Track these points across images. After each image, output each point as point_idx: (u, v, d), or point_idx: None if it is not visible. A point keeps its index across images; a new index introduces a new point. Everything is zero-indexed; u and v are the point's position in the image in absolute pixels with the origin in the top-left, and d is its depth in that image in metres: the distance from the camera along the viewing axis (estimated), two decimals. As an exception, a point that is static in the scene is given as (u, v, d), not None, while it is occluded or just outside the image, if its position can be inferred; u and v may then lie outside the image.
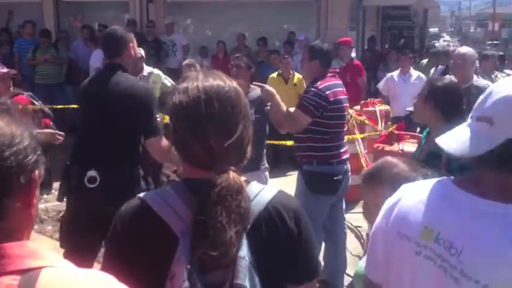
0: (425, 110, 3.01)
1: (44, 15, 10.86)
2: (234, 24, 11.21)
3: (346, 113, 4.16)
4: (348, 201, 4.43)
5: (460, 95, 3.01)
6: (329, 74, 4.00)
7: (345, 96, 4.04)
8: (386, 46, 16.52)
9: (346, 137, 4.35)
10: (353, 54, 9.01)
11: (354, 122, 6.04)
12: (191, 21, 11.51)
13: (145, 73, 6.42)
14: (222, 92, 1.30)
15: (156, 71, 6.61)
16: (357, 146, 5.80)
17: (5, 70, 4.41)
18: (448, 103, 2.93)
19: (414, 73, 7.82)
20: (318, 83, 3.89)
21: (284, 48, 9.67)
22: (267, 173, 4.40)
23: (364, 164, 5.49)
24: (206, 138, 1.26)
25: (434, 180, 1.38)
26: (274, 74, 7.77)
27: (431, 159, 2.75)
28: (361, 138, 6.00)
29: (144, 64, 6.57)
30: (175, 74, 7.29)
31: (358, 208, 4.92)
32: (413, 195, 1.36)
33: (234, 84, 1.35)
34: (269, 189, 1.37)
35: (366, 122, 6.19)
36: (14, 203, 0.94)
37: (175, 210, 1.26)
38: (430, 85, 3.08)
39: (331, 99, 3.83)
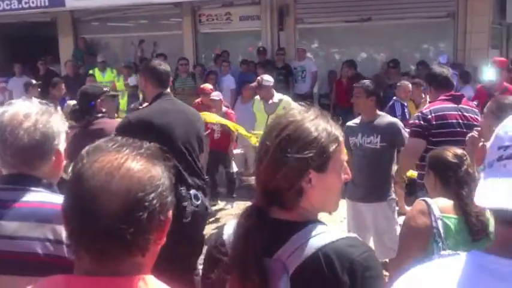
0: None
1: (183, 46, 11.66)
2: (364, 47, 11.04)
3: (463, 137, 3.76)
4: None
5: None
6: (441, 97, 3.86)
7: (459, 121, 3.76)
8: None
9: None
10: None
11: None
12: (321, 46, 11.57)
13: (275, 100, 6.56)
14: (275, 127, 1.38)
15: (286, 97, 6.71)
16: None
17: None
18: None
19: None
20: (426, 106, 3.96)
21: (417, 71, 9.21)
22: (394, 204, 4.21)
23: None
24: None
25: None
26: (406, 99, 7.44)
27: None
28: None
29: (274, 91, 6.72)
30: (304, 100, 7.32)
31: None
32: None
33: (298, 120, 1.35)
34: (329, 234, 1.26)
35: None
36: (153, 239, 1.03)
37: None
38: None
39: (434, 122, 3.73)
